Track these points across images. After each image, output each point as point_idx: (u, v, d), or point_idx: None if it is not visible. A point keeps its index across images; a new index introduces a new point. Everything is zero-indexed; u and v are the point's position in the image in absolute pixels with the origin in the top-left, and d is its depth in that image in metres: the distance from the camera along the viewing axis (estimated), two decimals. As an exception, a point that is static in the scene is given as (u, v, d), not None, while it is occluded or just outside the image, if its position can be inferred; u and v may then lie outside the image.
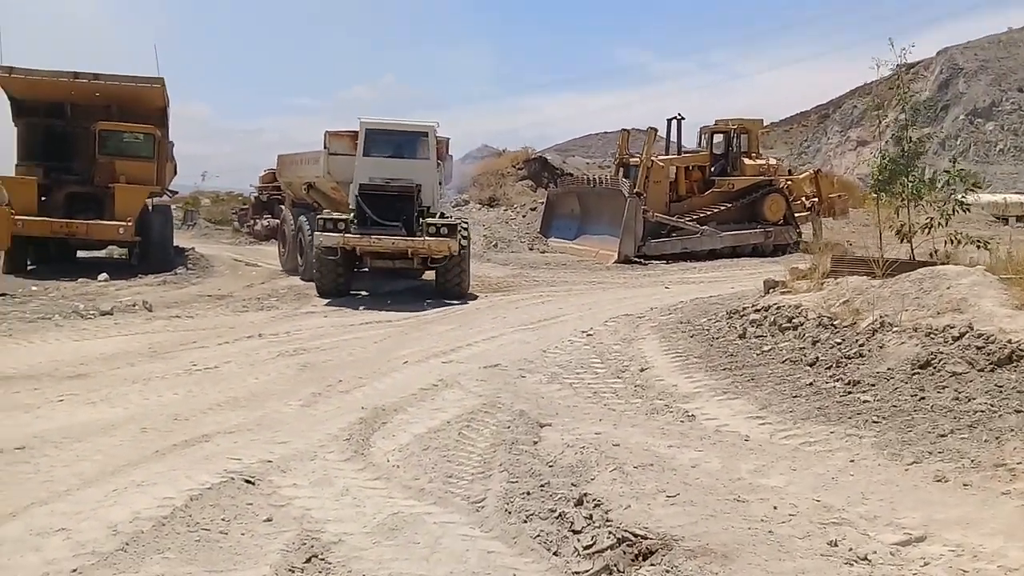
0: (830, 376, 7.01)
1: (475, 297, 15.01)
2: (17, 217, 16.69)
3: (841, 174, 41.20)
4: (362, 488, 5.00)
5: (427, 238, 13.83)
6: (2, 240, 14.11)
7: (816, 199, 25.43)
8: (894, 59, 10.86)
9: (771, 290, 10.10)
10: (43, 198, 18.02)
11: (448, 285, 14.54)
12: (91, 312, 11.56)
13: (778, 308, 8.89)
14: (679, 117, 24.23)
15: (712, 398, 7.10)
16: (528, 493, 4.77)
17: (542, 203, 26.29)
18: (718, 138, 24.65)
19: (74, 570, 3.54)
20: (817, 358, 7.43)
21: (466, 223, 15.24)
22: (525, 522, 4.44)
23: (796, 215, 24.10)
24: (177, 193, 24.02)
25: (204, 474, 4.91)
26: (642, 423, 6.46)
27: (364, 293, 15.02)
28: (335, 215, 14.44)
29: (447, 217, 15.15)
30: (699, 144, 25.38)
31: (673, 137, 24.98)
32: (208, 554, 3.86)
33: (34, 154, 18.82)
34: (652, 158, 23.01)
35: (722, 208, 23.57)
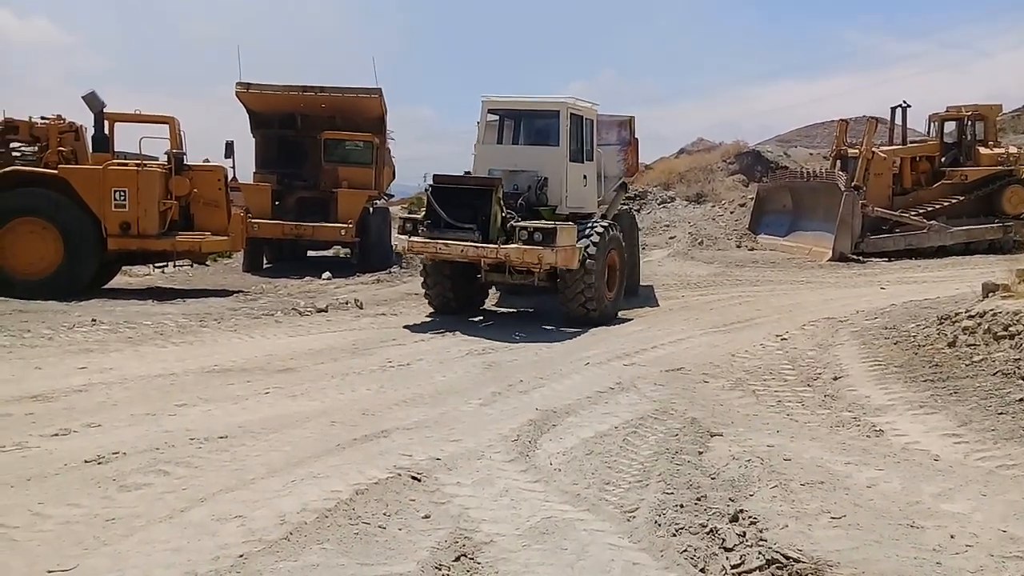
0: (1045, 392, 6.33)
1: (670, 297, 14.80)
2: (253, 220, 18.43)
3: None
4: (521, 490, 5.10)
5: (504, 246, 11.01)
6: (237, 242, 15.54)
7: (1068, 189, 22.85)
8: None
9: (990, 294, 9.21)
10: (276, 203, 19.77)
11: (570, 307, 11.56)
12: (308, 309, 12.51)
13: (994, 314, 8.10)
14: (904, 104, 22.63)
15: (906, 412, 6.62)
16: (682, 506, 4.68)
17: (752, 198, 25.41)
18: (950, 126, 22.79)
19: (241, 555, 3.89)
20: (1033, 371, 6.73)
21: (605, 227, 11.96)
22: (674, 536, 4.36)
23: (1042, 208, 21.76)
24: (393, 196, 25.42)
25: (375, 469, 5.21)
26: (822, 436, 6.14)
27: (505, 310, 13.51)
28: (413, 215, 12.37)
29: (594, 219, 12.34)
30: (928, 133, 23.57)
31: (898, 127, 23.40)
32: (363, 547, 4.10)
33: (269, 162, 20.64)
34: (873, 149, 21.66)
35: (953, 201, 21.80)
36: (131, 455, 5.50)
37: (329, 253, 23.02)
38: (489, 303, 13.80)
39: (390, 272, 18.44)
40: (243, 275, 18.71)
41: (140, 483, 4.97)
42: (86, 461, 5.34)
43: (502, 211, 11.35)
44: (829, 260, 20.10)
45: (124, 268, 16.95)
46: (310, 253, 22.59)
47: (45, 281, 13.40)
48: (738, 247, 23.12)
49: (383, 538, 4.24)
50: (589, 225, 11.85)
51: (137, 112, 15.61)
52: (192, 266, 16.94)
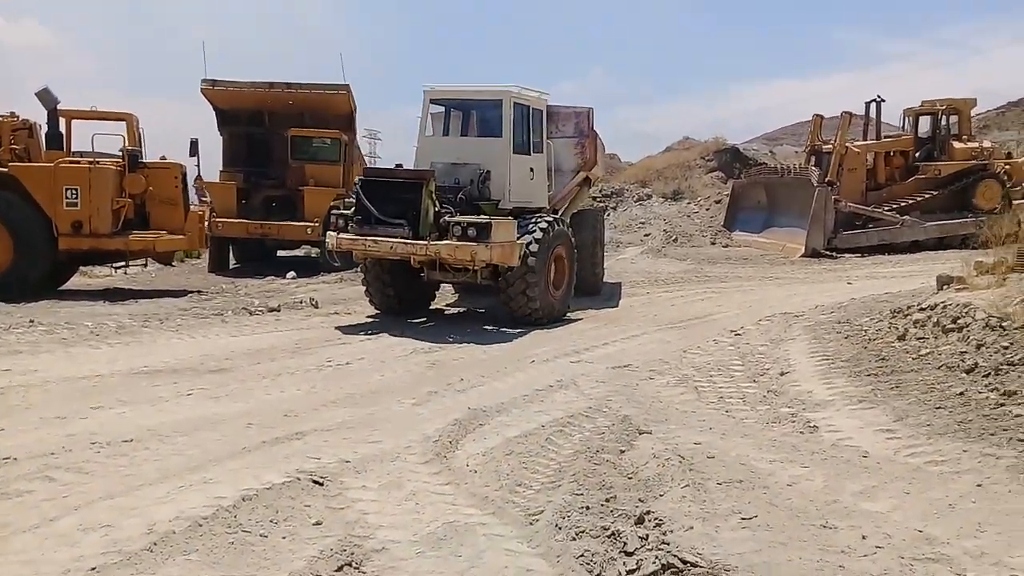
0: (985, 385, 6.12)
1: (636, 294, 14.59)
2: (218, 219, 18.14)
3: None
4: (430, 493, 4.86)
5: (435, 243, 10.44)
6: (194, 241, 15.22)
7: (1043, 185, 22.74)
8: None
9: (945, 286, 9.02)
10: (243, 201, 19.45)
11: (511, 305, 11.02)
12: (260, 309, 12.22)
13: (944, 307, 7.90)
14: (878, 99, 22.47)
15: (844, 407, 6.40)
16: (587, 507, 4.44)
17: (727, 195, 25.25)
18: (924, 120, 22.61)
19: (93, 568, 3.64)
20: (976, 364, 6.51)
21: (549, 222, 11.38)
22: (574, 539, 4.12)
23: (1016, 203, 21.62)
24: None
25: (273, 473, 4.96)
26: (755, 433, 5.92)
27: (458, 310, 13.04)
28: (345, 210, 11.39)
29: (540, 216, 11.59)
30: (903, 127, 23.43)
31: (872, 121, 23.24)
32: (235, 557, 3.85)
33: (236, 160, 20.26)
34: (847, 144, 21.50)
35: (927, 196, 21.63)
36: (23, 460, 5.23)
37: (300, 252, 22.70)
38: (444, 302, 13.57)
39: (356, 271, 18.12)
40: (208, 275, 18.40)
41: (22, 490, 4.70)
42: (-28, 467, 5.07)
43: (434, 205, 10.77)
44: (802, 256, 19.93)
45: (84, 269, 16.64)
46: (280, 253, 22.27)
47: (-5, 282, 13.08)
48: (713, 244, 22.95)
49: (261, 547, 3.99)
50: (533, 220, 11.28)
51: (93, 108, 15.32)
52: (145, 266, 16.62)
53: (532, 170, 12.35)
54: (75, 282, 15.87)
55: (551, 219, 11.66)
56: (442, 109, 12.70)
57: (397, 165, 11.94)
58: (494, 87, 12.02)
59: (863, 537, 3.99)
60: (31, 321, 10.32)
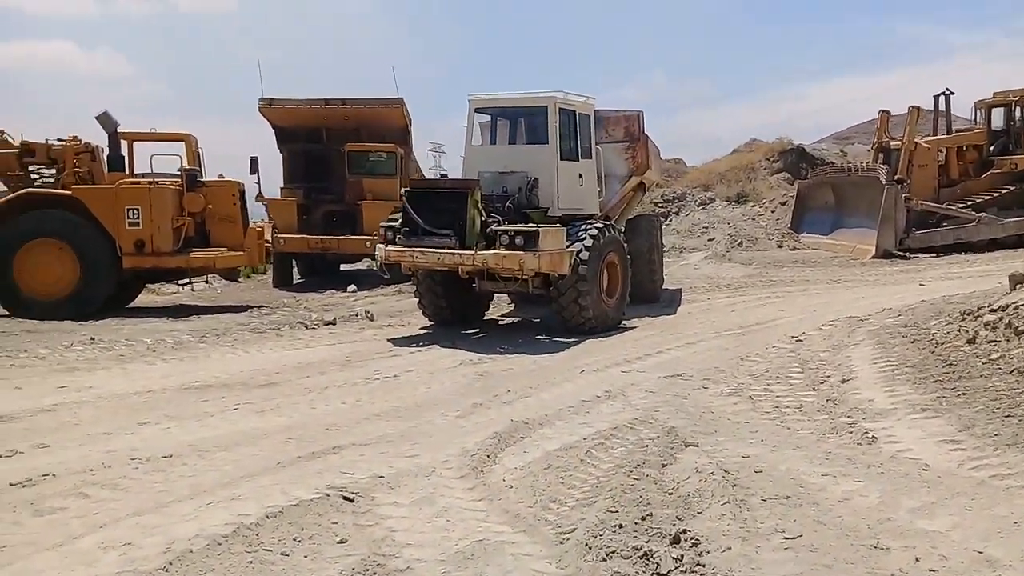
0: (1060, 391, 5.71)
1: (696, 300, 14.24)
2: (280, 235, 18.40)
3: None
4: (462, 510, 4.71)
5: (482, 252, 10.34)
6: (253, 258, 15.43)
7: None
8: None
9: (1018, 285, 8.52)
10: (304, 217, 19.70)
11: (564, 314, 10.84)
12: (316, 323, 12.29)
13: (1016, 307, 7.44)
14: (947, 92, 21.69)
15: (907, 416, 6.03)
16: (621, 526, 4.23)
17: (793, 196, 24.60)
18: (997, 113, 21.69)
19: (106, 587, 3.59)
20: (1051, 369, 6.09)
21: (600, 228, 11.14)
22: (604, 560, 3.91)
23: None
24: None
25: (303, 489, 4.87)
26: (808, 445, 5.61)
27: (512, 320, 12.88)
28: (393, 222, 11.21)
29: (590, 222, 11.37)
30: (975, 120, 22.52)
31: (942, 116, 22.39)
32: (252, 577, 3.76)
33: (296, 177, 20.58)
34: (916, 140, 20.75)
35: (1004, 191, 20.73)
36: (61, 477, 5.25)
37: (362, 266, 22.88)
38: (499, 312, 13.44)
39: (411, 283, 18.16)
40: (272, 290, 18.66)
41: (55, 507, 4.71)
42: (11, 484, 5.10)
43: (481, 215, 10.64)
44: (873, 257, 19.27)
45: (151, 287, 17.02)
46: (343, 266, 22.51)
47: (63, 302, 13.45)
48: (779, 247, 22.39)
49: (281, 567, 3.89)
50: (583, 227, 11.03)
51: (153, 131, 15.68)
52: (208, 282, 16.92)
53: (581, 176, 12.08)
54: (143, 300, 16.25)
55: (602, 226, 11.38)
56: (488, 118, 12.62)
57: (442, 175, 11.89)
58: (538, 93, 11.77)
59: (916, 559, 3.70)
60: (92, 338, 10.52)
